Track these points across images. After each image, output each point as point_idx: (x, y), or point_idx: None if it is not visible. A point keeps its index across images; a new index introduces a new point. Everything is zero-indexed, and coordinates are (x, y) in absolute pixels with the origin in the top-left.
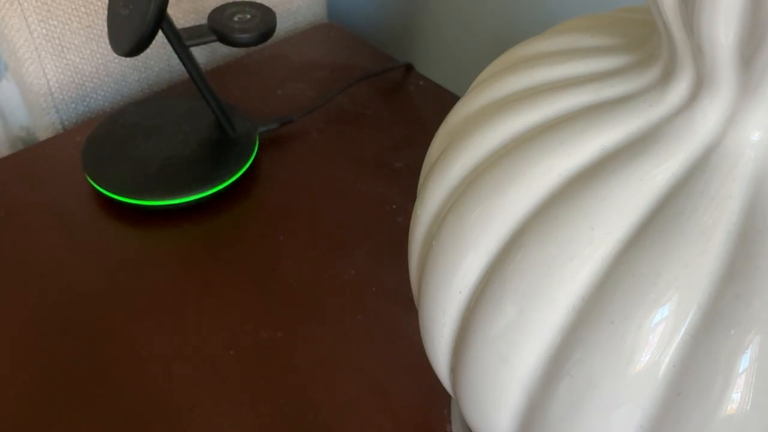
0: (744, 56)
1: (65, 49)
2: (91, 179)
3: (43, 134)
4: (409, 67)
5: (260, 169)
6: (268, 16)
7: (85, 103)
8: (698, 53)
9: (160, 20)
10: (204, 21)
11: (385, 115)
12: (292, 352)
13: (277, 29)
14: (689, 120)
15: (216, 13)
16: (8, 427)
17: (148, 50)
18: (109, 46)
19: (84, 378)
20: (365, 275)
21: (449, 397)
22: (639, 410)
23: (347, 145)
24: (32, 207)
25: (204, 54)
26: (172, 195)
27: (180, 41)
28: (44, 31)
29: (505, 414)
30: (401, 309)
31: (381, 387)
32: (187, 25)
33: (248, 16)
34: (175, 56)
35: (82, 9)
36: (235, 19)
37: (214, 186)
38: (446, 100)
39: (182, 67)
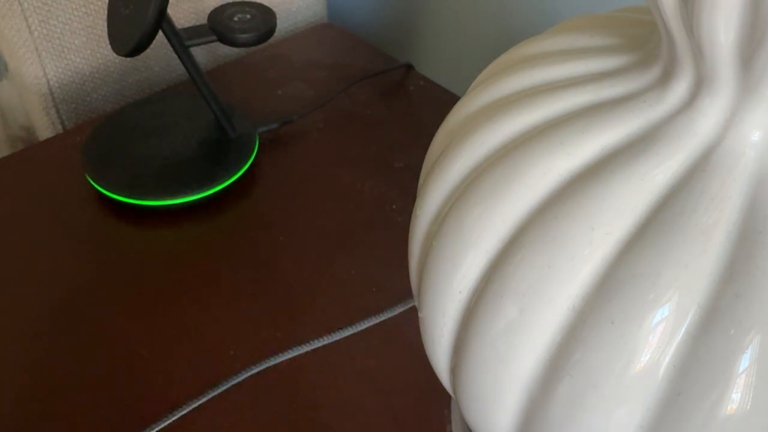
0: (744, 56)
1: (65, 50)
2: (91, 179)
3: (43, 134)
4: (409, 67)
5: (260, 169)
6: (268, 16)
7: (85, 103)
8: (698, 53)
9: (160, 20)
10: (204, 21)
11: (385, 115)
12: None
13: (277, 29)
14: (689, 120)
15: (216, 13)
16: (8, 426)
17: (148, 50)
18: (110, 47)
19: (84, 377)
20: (365, 275)
21: (449, 397)
22: (639, 410)
23: (347, 145)
24: (32, 207)
25: (204, 54)
26: (172, 195)
27: (180, 41)
28: (44, 31)
29: (505, 414)
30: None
31: (381, 387)
32: (187, 25)
33: (248, 16)
34: (175, 56)
35: (83, 9)
36: (235, 19)
37: (214, 186)
38: (446, 100)
39: (182, 67)
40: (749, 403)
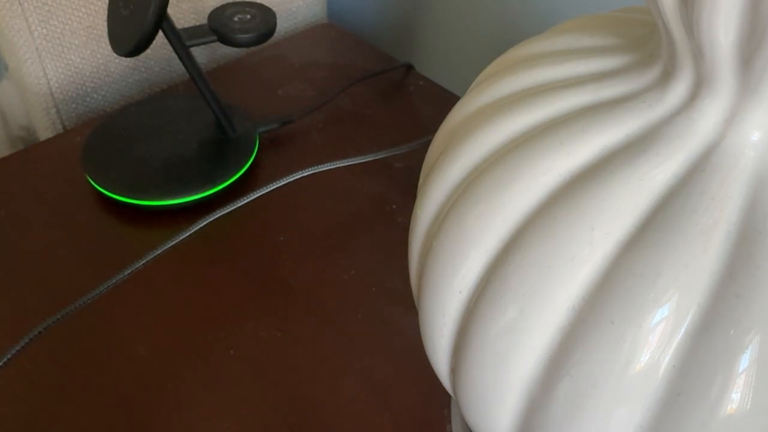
0: (744, 56)
1: (65, 50)
2: (91, 179)
3: (43, 134)
4: (409, 67)
5: (260, 169)
6: (268, 16)
7: (85, 103)
8: (698, 53)
9: (161, 20)
10: (204, 21)
11: (385, 115)
12: (292, 352)
13: (277, 29)
14: (689, 120)
15: (216, 13)
16: (8, 426)
17: (148, 50)
18: (110, 47)
19: (84, 377)
20: (365, 275)
21: (449, 397)
22: (639, 410)
23: (347, 145)
24: (32, 207)
25: (204, 54)
26: (172, 195)
27: (180, 41)
28: (44, 31)
29: (505, 414)
30: (401, 309)
31: (381, 387)
32: (187, 25)
33: (248, 17)
34: (175, 56)
35: (83, 9)
36: (235, 19)
37: (214, 186)
38: (446, 100)
39: (182, 67)
40: (749, 403)
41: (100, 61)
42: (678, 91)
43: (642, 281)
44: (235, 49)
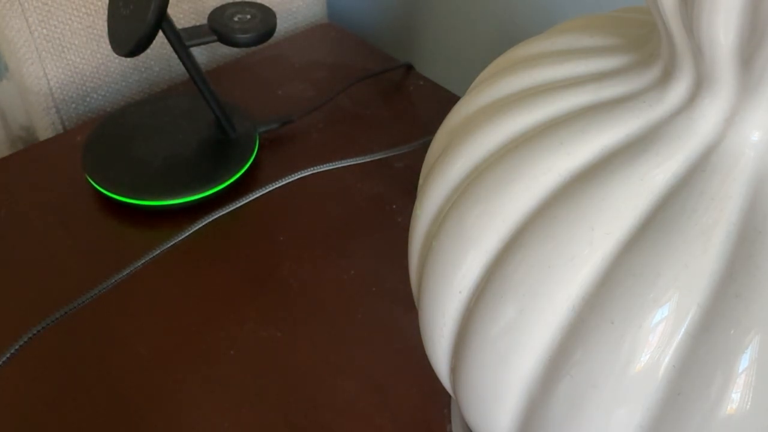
0: (744, 56)
1: (65, 50)
2: (91, 179)
3: (43, 134)
4: (409, 67)
5: (260, 169)
6: (268, 16)
7: (85, 103)
8: (698, 53)
9: (161, 20)
10: (204, 21)
11: (385, 115)
12: (292, 352)
13: (277, 29)
14: (689, 120)
15: (216, 13)
16: (9, 426)
17: (148, 50)
18: (110, 47)
19: (84, 377)
20: (365, 275)
21: (449, 397)
22: (639, 410)
23: (347, 145)
24: (32, 207)
25: (204, 54)
26: (172, 195)
27: (180, 41)
28: (44, 31)
29: (505, 414)
30: (401, 309)
31: (381, 387)
32: (187, 25)
33: (248, 17)
34: (175, 56)
35: (83, 9)
36: (235, 19)
37: (214, 186)
38: (446, 100)
39: (182, 67)
40: (749, 403)
41: (100, 61)
42: (678, 91)
43: (642, 281)
44: (235, 49)
